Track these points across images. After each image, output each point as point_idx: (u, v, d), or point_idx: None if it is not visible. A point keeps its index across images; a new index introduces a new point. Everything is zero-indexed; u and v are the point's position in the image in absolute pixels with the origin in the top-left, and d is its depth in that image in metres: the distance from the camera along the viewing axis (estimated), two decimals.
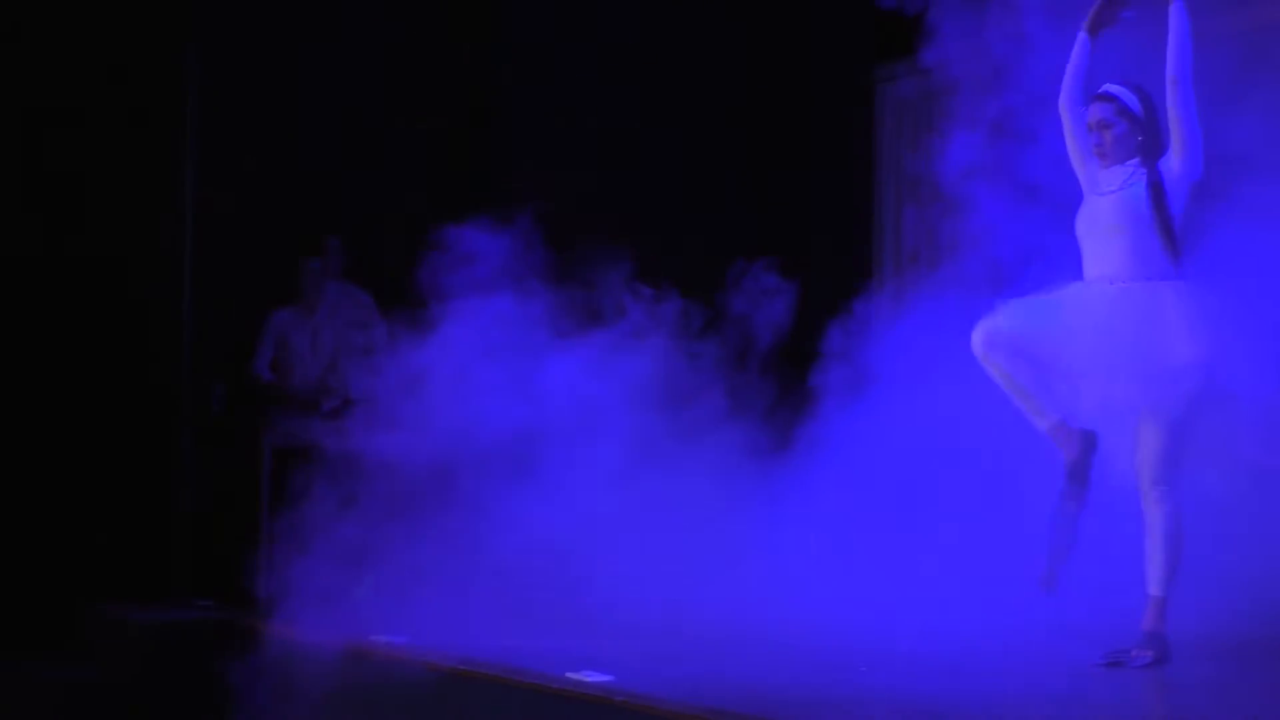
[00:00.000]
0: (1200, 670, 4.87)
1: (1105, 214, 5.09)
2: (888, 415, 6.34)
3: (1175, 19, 4.96)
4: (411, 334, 6.35)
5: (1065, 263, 5.28)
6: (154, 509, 7.19)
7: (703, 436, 6.66)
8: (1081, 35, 5.18)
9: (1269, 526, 5.66)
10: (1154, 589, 4.94)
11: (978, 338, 5.00)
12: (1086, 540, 5.02)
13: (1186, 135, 4.96)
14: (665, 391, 6.59)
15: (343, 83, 7.93)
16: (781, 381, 6.87)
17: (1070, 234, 5.29)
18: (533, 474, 6.34)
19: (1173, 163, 5.02)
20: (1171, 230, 5.00)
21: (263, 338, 7.70)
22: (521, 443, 6.33)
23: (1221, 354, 4.86)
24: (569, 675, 4.67)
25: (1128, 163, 5.11)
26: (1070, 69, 5.19)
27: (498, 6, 8.32)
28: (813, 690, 4.63)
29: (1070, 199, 5.53)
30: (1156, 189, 5.01)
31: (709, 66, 8.62)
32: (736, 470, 6.62)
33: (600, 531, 6.21)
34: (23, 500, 7.05)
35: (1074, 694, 4.58)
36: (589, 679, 4.61)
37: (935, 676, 4.79)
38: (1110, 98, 5.13)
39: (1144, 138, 5.10)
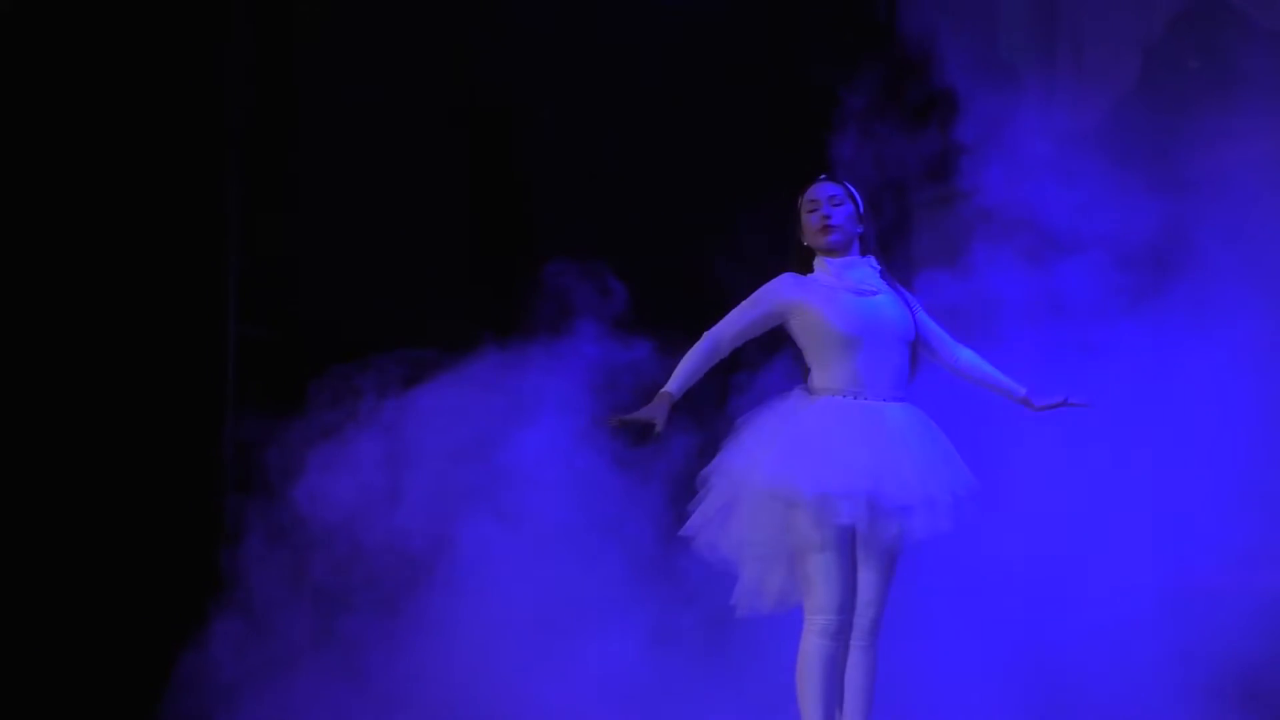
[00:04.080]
0: None
1: (883, 315, 4.64)
2: None
3: None
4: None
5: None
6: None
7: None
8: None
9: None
10: None
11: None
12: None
13: None
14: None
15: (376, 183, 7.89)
16: None
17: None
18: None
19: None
20: (914, 346, 4.68)
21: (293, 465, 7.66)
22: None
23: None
24: None
25: (864, 259, 4.73)
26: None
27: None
28: None
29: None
30: (909, 297, 4.77)
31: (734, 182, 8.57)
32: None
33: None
34: (44, 636, 6.97)
35: None
36: None
37: None
38: (838, 181, 4.82)
39: (864, 234, 4.76)
